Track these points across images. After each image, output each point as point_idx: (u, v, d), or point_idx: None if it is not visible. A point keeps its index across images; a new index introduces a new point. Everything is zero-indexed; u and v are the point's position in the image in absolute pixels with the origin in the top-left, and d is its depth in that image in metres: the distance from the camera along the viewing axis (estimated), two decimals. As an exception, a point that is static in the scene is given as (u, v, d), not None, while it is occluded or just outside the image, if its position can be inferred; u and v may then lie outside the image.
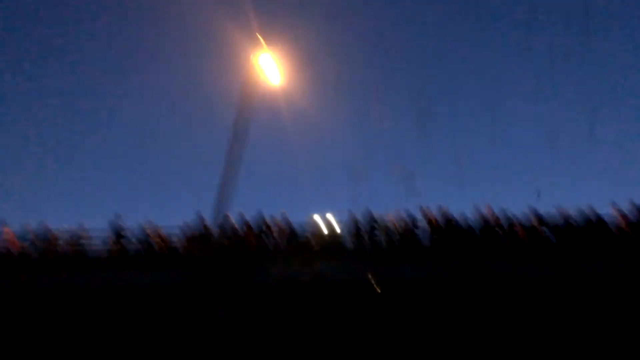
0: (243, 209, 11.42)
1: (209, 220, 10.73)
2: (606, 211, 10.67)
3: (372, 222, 11.05)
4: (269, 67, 10.14)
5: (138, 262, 10.53)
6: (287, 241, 10.86)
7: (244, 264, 10.73)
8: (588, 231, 10.22)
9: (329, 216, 11.65)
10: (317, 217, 11.47)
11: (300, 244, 10.99)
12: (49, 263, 10.23)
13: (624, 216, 10.26)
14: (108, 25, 31.28)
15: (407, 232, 10.96)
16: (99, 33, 31.97)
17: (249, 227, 11.06)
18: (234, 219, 11.14)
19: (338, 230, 11.17)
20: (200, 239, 10.83)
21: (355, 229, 11.01)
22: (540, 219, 10.63)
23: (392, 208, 11.40)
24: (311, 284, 10.54)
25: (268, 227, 11.12)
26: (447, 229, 10.77)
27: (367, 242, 10.96)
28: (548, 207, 10.89)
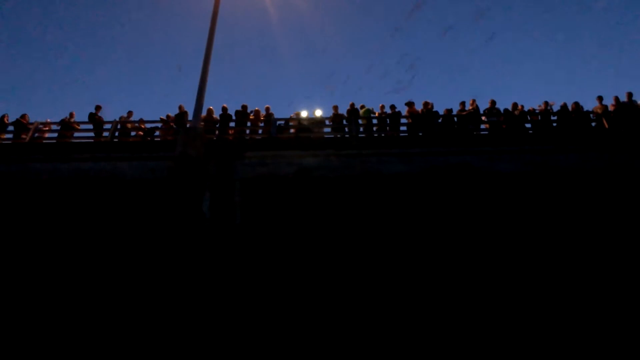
0: (227, 103, 11.24)
1: (191, 113, 10.59)
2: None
3: (356, 114, 10.97)
4: None
5: (120, 152, 10.40)
6: (271, 134, 10.76)
7: (227, 158, 10.74)
8: (566, 122, 10.28)
9: (315, 110, 11.57)
10: (301, 112, 11.38)
11: (284, 137, 10.94)
12: (29, 149, 10.10)
13: (603, 107, 10.31)
14: None
15: (392, 123, 10.93)
16: None
17: (232, 120, 10.93)
18: (216, 112, 10.99)
19: (322, 122, 11.08)
20: (183, 132, 10.72)
21: (339, 122, 10.94)
22: (523, 110, 10.63)
23: (378, 100, 11.28)
24: (295, 177, 10.66)
25: (251, 120, 11.00)
26: (429, 122, 10.74)
27: (350, 135, 10.92)
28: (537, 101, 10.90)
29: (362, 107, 11.08)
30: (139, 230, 9.71)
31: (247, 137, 11.00)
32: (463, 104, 10.86)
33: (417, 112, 10.80)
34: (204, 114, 10.86)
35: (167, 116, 11.09)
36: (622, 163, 10.23)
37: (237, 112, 10.91)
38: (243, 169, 10.83)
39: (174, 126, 10.91)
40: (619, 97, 10.34)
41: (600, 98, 10.45)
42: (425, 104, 10.82)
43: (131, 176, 10.65)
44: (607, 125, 10.27)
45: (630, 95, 10.27)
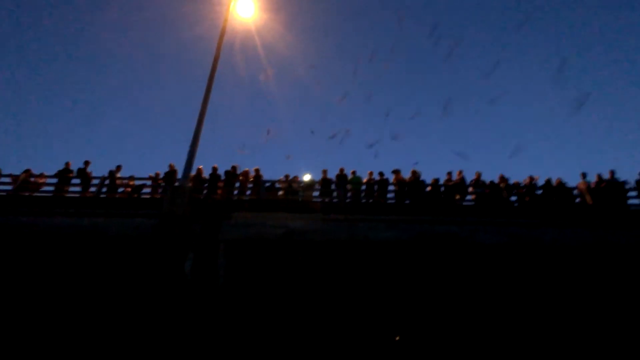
0: (217, 163, 11.32)
1: (180, 172, 10.65)
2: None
3: (345, 180, 11.09)
4: (246, 11, 10.02)
5: (106, 208, 10.33)
6: (259, 196, 10.80)
7: (215, 218, 10.71)
8: (549, 198, 10.48)
9: (304, 174, 11.68)
10: (290, 175, 11.48)
11: (272, 200, 10.98)
12: (16, 202, 9.99)
13: (586, 184, 10.55)
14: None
15: (379, 190, 11.04)
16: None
17: (221, 180, 10.97)
18: (205, 172, 11.05)
19: (311, 187, 11.16)
20: (171, 191, 10.72)
21: (327, 186, 11.04)
22: (507, 184, 10.83)
23: (367, 167, 11.45)
24: (281, 240, 10.62)
25: (241, 181, 11.05)
26: (416, 190, 10.88)
27: (339, 200, 10.99)
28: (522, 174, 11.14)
29: (353, 173, 11.23)
30: (119, 287, 9.50)
31: (235, 198, 11.01)
32: (450, 174, 11.05)
33: (404, 179, 10.95)
34: (194, 172, 10.92)
35: (157, 174, 11.11)
36: (603, 239, 10.37)
37: (226, 172, 10.98)
38: (229, 230, 10.77)
39: (163, 184, 10.91)
40: (602, 174, 10.62)
41: (583, 175, 10.72)
42: (413, 172, 11.00)
43: (115, 232, 10.53)
44: (590, 202, 10.47)
45: (612, 173, 10.55)
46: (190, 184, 10.54)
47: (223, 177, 10.98)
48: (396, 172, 11.10)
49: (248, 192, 11.03)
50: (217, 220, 10.78)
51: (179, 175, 10.74)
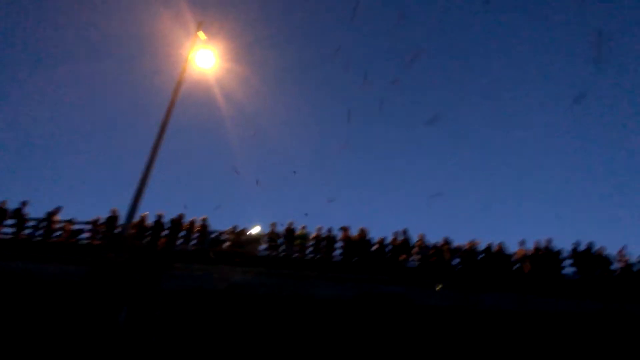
0: (163, 210, 11.11)
1: (122, 218, 10.36)
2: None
3: (293, 234, 11.07)
4: (205, 61, 10.23)
5: (40, 252, 9.85)
6: (202, 247, 10.59)
7: (155, 267, 10.37)
8: (490, 262, 10.79)
9: (253, 226, 11.60)
10: (239, 226, 11.37)
11: (217, 251, 10.77)
12: None
13: (524, 251, 10.97)
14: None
15: (327, 246, 11.07)
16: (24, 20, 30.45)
17: (165, 229, 10.73)
18: (150, 219, 10.80)
19: (257, 240, 11.07)
20: (111, 236, 10.37)
21: (274, 240, 10.97)
22: (450, 247, 11.11)
23: (316, 223, 11.52)
24: (224, 293, 10.36)
25: (186, 230, 10.84)
26: (363, 249, 10.98)
27: (285, 254, 10.92)
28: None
29: (303, 228, 11.23)
30: (47, 337, 8.92)
31: (179, 248, 10.74)
32: (396, 233, 11.25)
33: (352, 237, 11.04)
34: (138, 219, 10.64)
35: (97, 219, 10.76)
36: (538, 306, 10.66)
37: (172, 220, 10.76)
38: (169, 281, 10.42)
39: (103, 229, 10.55)
40: (540, 242, 11.08)
41: (522, 242, 11.16)
42: (362, 230, 11.13)
43: (48, 278, 10.00)
44: (527, 269, 10.83)
45: (548, 241, 11.03)
46: (132, 231, 10.25)
47: (168, 226, 10.74)
48: (344, 229, 11.20)
49: (193, 243, 10.80)
50: (157, 270, 10.43)
51: (121, 221, 10.47)
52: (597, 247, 10.80)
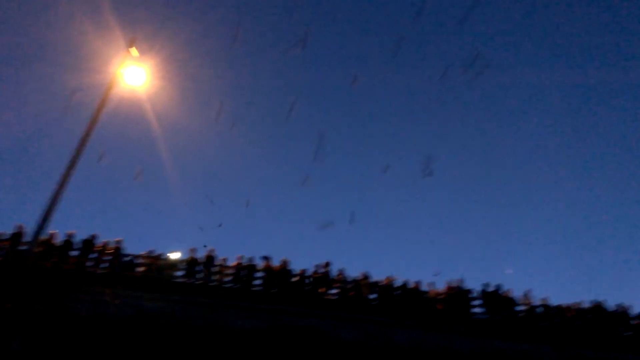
0: (76, 229, 10.60)
1: (28, 236, 9.79)
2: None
3: (212, 263, 10.89)
4: (135, 78, 10.05)
5: None
6: (114, 270, 10.16)
7: (59, 290, 9.81)
8: (406, 299, 11.08)
9: (171, 251, 11.30)
10: (155, 251, 11.03)
11: (130, 276, 10.37)
12: None
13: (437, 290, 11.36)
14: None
15: (247, 277, 10.94)
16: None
17: (75, 249, 10.23)
18: (59, 238, 10.26)
19: (174, 266, 10.77)
20: (12, 255, 9.74)
21: (193, 267, 10.72)
22: (368, 282, 11.32)
23: (236, 251, 11.37)
24: (133, 321, 9.94)
25: (98, 252, 10.38)
26: (283, 280, 10.96)
27: (203, 282, 10.68)
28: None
29: (224, 260, 11.06)
30: None
31: (89, 270, 10.24)
32: (317, 266, 11.33)
33: (273, 267, 11.01)
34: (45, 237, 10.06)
35: (2, 234, 10.09)
36: (449, 345, 11.01)
37: (84, 241, 10.28)
38: (75, 305, 9.88)
39: (6, 246, 9.90)
40: (452, 282, 11.52)
41: (431, 284, 11.62)
42: (283, 261, 11.12)
43: None
44: (439, 308, 11.21)
45: (460, 281, 11.51)
46: (38, 250, 9.68)
47: (79, 246, 10.24)
48: (266, 258, 11.16)
49: (105, 265, 10.33)
50: (63, 293, 9.87)
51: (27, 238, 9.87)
52: (504, 289, 11.38)
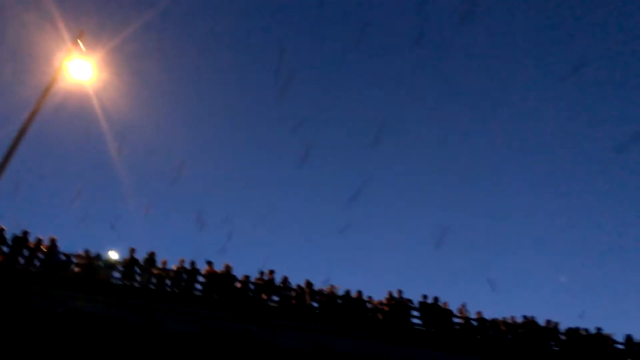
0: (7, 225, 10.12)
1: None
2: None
3: (153, 264, 10.65)
4: (82, 72, 9.79)
5: None
6: (47, 268, 9.77)
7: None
8: (346, 308, 11.20)
9: (109, 251, 10.99)
10: (91, 251, 10.68)
11: (63, 275, 10.00)
12: None
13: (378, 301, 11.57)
14: None
15: (188, 280, 10.77)
16: None
17: (6, 245, 9.77)
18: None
19: (112, 266, 10.47)
20: None
21: (131, 268, 10.46)
22: (312, 290, 11.38)
23: (179, 254, 11.18)
24: (64, 322, 9.55)
25: (30, 249, 9.96)
26: (226, 285, 10.86)
27: (141, 285, 10.42)
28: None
29: (164, 262, 10.83)
30: None
31: (20, 268, 9.80)
32: (262, 273, 11.30)
33: (216, 272, 10.89)
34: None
35: None
36: (391, 353, 11.19)
37: (15, 237, 9.84)
38: (3, 304, 9.40)
39: None
40: (393, 292, 11.77)
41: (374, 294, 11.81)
42: (227, 266, 11.02)
43: None
44: (380, 317, 11.39)
45: (400, 292, 11.77)
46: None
47: (10, 243, 9.79)
48: (209, 263, 11.02)
49: (37, 263, 9.91)
50: (-12, 290, 9.37)
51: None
52: (441, 301, 11.71)
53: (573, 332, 12.49)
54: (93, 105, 11.32)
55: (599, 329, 12.71)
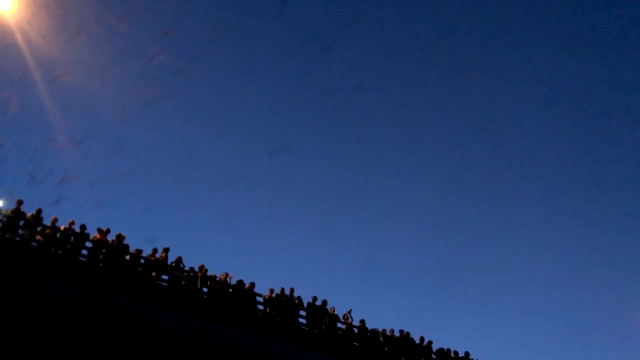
0: None
1: None
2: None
3: (39, 222, 10.10)
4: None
5: None
6: None
7: None
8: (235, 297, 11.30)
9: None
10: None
11: None
12: None
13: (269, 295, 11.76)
14: None
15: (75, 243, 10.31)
16: None
17: None
18: None
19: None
20: None
21: (14, 221, 9.83)
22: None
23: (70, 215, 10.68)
24: None
25: None
26: (116, 256, 10.54)
27: (20, 241, 9.83)
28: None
29: (54, 219, 10.24)
30: None
31: None
32: (155, 250, 11.08)
33: (106, 241, 10.53)
34: None
35: None
36: (269, 347, 11.44)
37: None
38: None
39: None
40: (285, 289, 12.03)
41: (272, 290, 12.01)
42: (119, 236, 10.67)
43: None
44: (268, 311, 11.61)
45: (292, 290, 12.07)
46: None
47: None
48: (101, 231, 10.60)
49: None
50: None
51: None
52: (329, 305, 12.15)
53: (444, 353, 13.47)
54: (15, 37, 10.46)
55: (467, 353, 13.83)
